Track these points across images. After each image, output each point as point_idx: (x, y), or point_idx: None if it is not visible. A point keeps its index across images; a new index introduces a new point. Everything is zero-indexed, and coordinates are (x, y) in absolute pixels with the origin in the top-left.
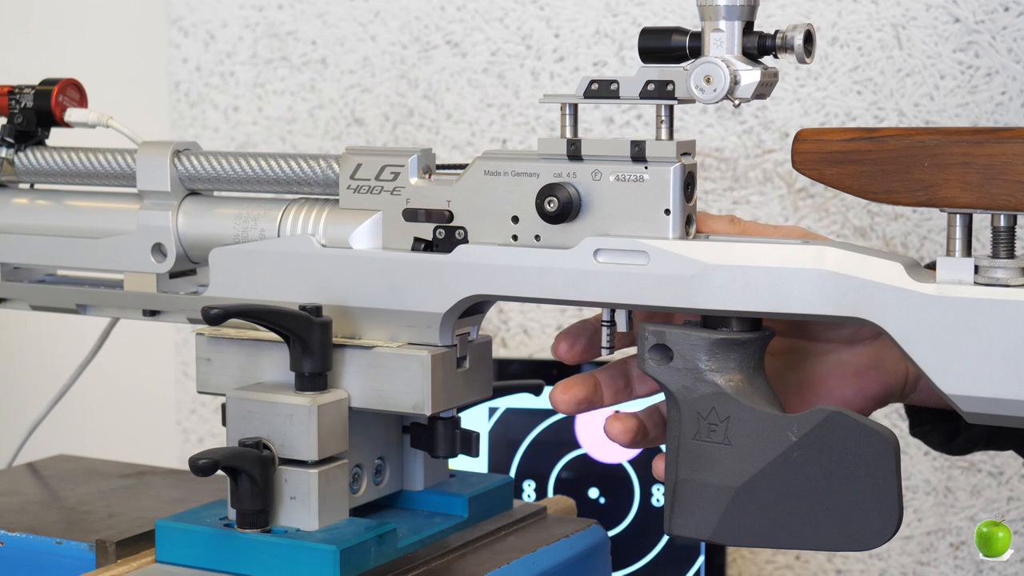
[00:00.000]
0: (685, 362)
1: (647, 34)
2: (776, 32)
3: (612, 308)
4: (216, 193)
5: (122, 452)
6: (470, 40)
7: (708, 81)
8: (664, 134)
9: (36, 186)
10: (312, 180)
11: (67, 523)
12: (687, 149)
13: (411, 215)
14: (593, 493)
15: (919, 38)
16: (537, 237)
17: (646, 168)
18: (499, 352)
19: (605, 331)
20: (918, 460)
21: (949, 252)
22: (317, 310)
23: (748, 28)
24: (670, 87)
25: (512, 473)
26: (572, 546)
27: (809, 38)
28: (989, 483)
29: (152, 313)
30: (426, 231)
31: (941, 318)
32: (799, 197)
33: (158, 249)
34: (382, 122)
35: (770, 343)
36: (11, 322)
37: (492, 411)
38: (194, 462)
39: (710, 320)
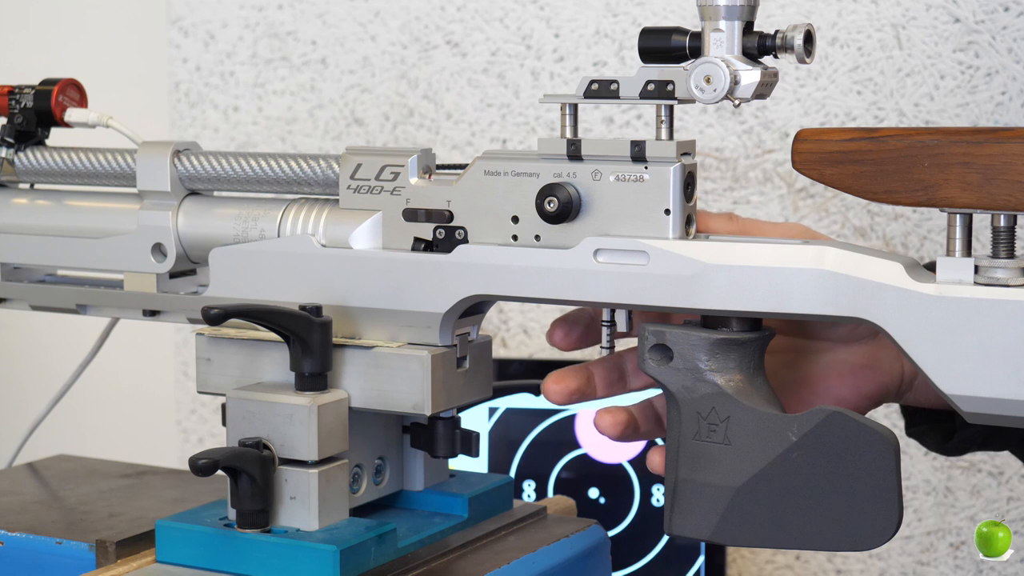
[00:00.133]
0: (685, 362)
1: (647, 34)
2: (776, 32)
3: (612, 308)
4: (216, 193)
5: (122, 452)
6: (470, 40)
7: (708, 81)
8: (664, 134)
9: (36, 186)
10: (312, 180)
11: (67, 523)
12: (687, 149)
13: (411, 215)
14: (593, 493)
15: (919, 38)
16: (537, 237)
17: (646, 168)
18: (499, 352)
19: (605, 331)
20: (918, 460)
21: (949, 252)
22: (317, 310)
23: (748, 28)
24: (670, 87)
25: (512, 473)
26: (572, 546)
27: (809, 38)
28: (989, 483)
29: (152, 313)
30: (426, 231)
31: (941, 318)
32: (799, 197)
33: (158, 249)
34: (382, 122)
35: None
36: (11, 322)
37: (492, 411)
38: (194, 462)
39: (710, 320)
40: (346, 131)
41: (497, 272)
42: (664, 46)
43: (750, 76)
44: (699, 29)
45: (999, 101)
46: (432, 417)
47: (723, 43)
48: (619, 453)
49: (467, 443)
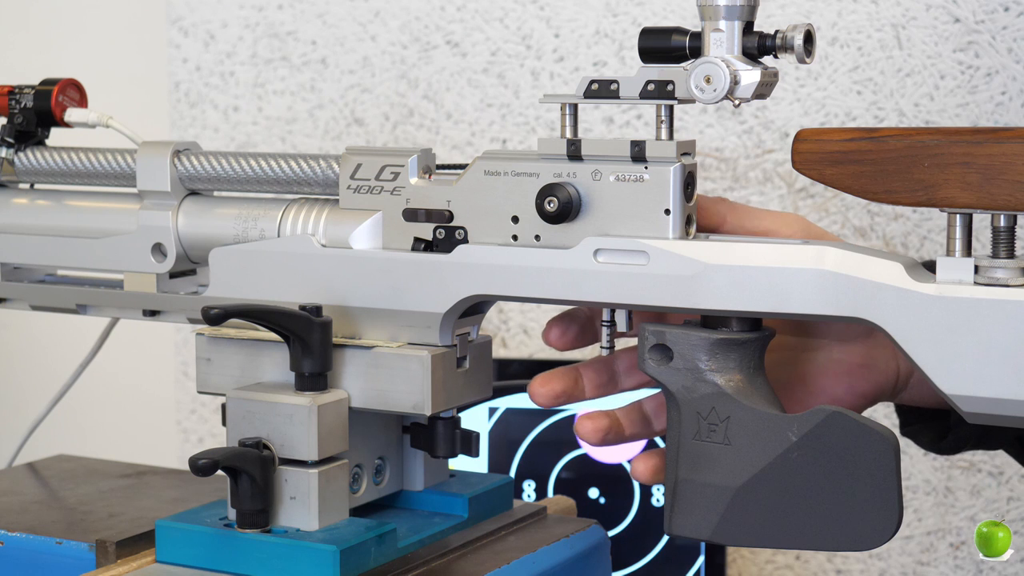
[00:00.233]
0: (685, 362)
1: (647, 34)
2: (776, 32)
3: (612, 308)
4: (216, 193)
5: (122, 452)
6: (470, 40)
7: (708, 81)
8: (664, 134)
9: (36, 186)
10: (312, 180)
11: (67, 523)
12: (687, 149)
13: (411, 215)
14: (593, 493)
15: (919, 38)
16: (537, 237)
17: (646, 168)
18: (499, 352)
19: (605, 331)
20: (918, 460)
21: (949, 252)
22: (317, 310)
23: (748, 28)
24: (670, 87)
25: (512, 473)
26: (572, 546)
27: (809, 38)
28: (989, 483)
29: (152, 313)
30: (426, 231)
31: (941, 318)
32: (799, 197)
33: (158, 249)
34: (382, 122)
35: None
36: (11, 322)
37: (492, 411)
38: (194, 462)
39: (710, 320)
40: (346, 131)
41: (497, 272)
42: (664, 46)
43: (750, 76)
44: (699, 29)
45: (999, 101)
46: (432, 417)
47: (723, 43)
48: (619, 453)
49: (467, 443)
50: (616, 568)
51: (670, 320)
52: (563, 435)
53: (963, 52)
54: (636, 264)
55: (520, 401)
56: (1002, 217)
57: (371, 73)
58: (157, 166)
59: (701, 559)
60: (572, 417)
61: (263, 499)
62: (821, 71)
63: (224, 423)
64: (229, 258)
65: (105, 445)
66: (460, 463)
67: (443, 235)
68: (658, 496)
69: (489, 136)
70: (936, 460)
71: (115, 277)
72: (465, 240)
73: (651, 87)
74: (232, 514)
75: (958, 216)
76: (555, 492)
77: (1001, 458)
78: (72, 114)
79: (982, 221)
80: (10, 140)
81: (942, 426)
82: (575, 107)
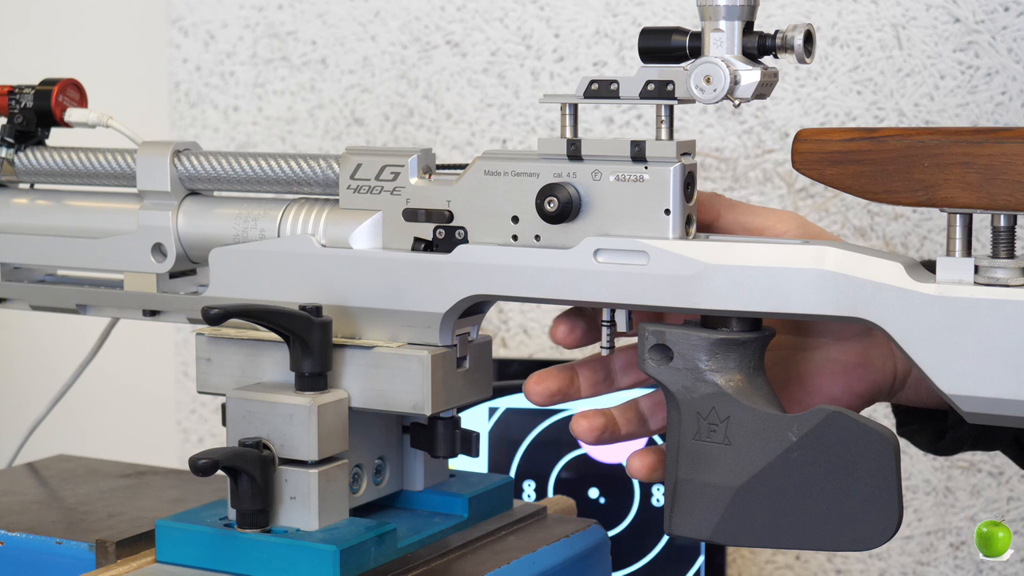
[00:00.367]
0: (685, 362)
1: (647, 34)
2: (776, 32)
3: (612, 308)
4: (216, 193)
5: (122, 452)
6: (470, 40)
7: (708, 81)
8: (664, 134)
9: (36, 186)
10: (312, 180)
11: (67, 523)
12: (687, 149)
13: (411, 215)
14: (593, 493)
15: (919, 38)
16: (537, 237)
17: (646, 168)
18: (499, 352)
19: (605, 331)
20: (918, 460)
21: (949, 252)
22: (317, 310)
23: (748, 28)
24: (670, 87)
25: (512, 473)
26: (572, 546)
27: (809, 38)
28: (989, 483)
29: (152, 313)
30: (426, 231)
31: (941, 318)
32: (799, 197)
33: (158, 249)
34: (382, 122)
35: None
36: (11, 322)
37: (492, 411)
38: (194, 462)
39: (710, 320)
40: (346, 131)
41: (497, 272)
42: (664, 46)
43: (750, 76)
44: (699, 29)
45: (999, 101)
46: (432, 417)
47: (723, 43)
48: (619, 453)
49: (467, 443)
50: (616, 568)
51: (670, 320)
52: (563, 435)
53: (963, 52)
54: (636, 264)
55: (520, 401)
56: (1002, 217)
57: (371, 73)
58: (157, 166)
59: (701, 559)
60: (572, 417)
61: (263, 499)
62: (821, 71)
63: (224, 423)
64: (229, 258)
65: (105, 445)
66: (460, 463)
67: (443, 235)
68: (658, 496)
69: (489, 136)
70: (936, 460)
71: (115, 277)
72: (465, 240)
73: (651, 87)
74: (232, 514)
75: (958, 216)
76: (555, 492)
77: (1001, 458)
78: (72, 114)
79: (982, 221)
80: (10, 140)
81: (940, 427)
82: (575, 107)
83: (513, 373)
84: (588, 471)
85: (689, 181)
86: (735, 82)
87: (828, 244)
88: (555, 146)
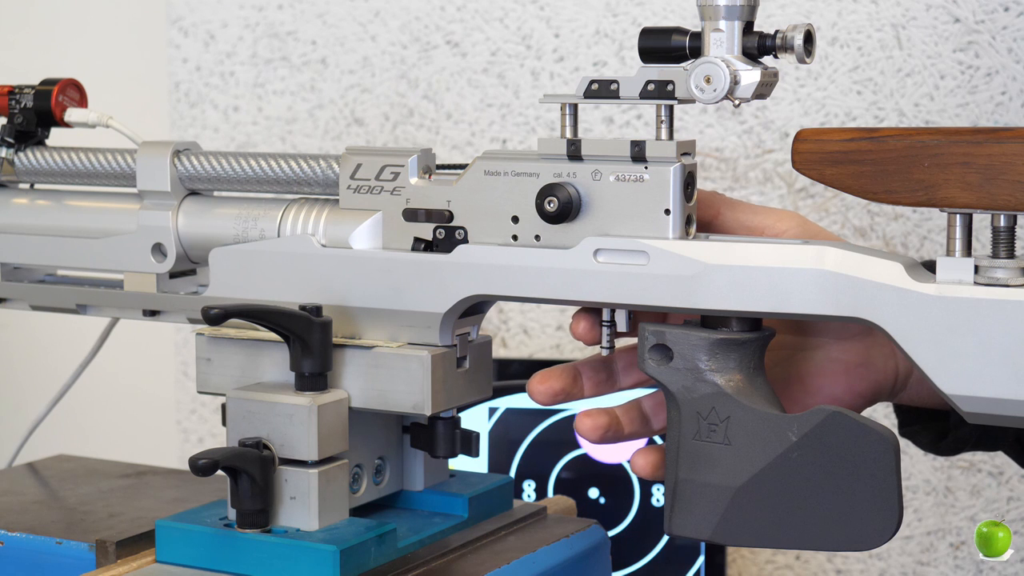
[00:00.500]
0: (685, 362)
1: (647, 34)
2: (776, 32)
3: (612, 308)
4: (216, 193)
5: (122, 452)
6: (470, 40)
7: (708, 81)
8: (664, 134)
9: (36, 186)
10: (312, 180)
11: (67, 523)
12: (687, 149)
13: (411, 215)
14: (593, 493)
15: (919, 38)
16: (537, 237)
17: (646, 168)
18: (499, 352)
19: (605, 331)
20: (918, 460)
21: (949, 252)
22: (317, 310)
23: (748, 28)
24: (670, 87)
25: (512, 473)
26: (572, 546)
27: (809, 38)
28: (989, 483)
29: (152, 313)
30: (426, 231)
31: (941, 318)
32: (799, 197)
33: (158, 249)
34: (382, 122)
35: None
36: (11, 322)
37: (492, 411)
38: (194, 462)
39: (710, 320)
40: (346, 131)
41: (497, 272)
42: (664, 46)
43: (750, 76)
44: (699, 29)
45: (999, 101)
46: (432, 417)
47: (723, 43)
48: (619, 453)
49: (467, 443)
50: (616, 568)
51: (670, 320)
52: (563, 435)
53: (963, 52)
54: (636, 264)
55: (520, 401)
56: (1002, 217)
57: (371, 73)
58: (157, 166)
59: (701, 559)
60: (572, 417)
61: (263, 499)
62: (821, 71)
63: (224, 423)
64: (229, 258)
65: (105, 445)
66: (460, 463)
67: (443, 235)
68: (658, 496)
69: (489, 136)
70: (936, 460)
71: (115, 277)
72: (465, 240)
73: (651, 87)
74: (232, 514)
75: (958, 216)
76: (555, 492)
77: (1001, 458)
78: (72, 114)
79: (982, 221)
80: (10, 140)
81: (941, 427)
82: (575, 107)
83: (513, 373)
84: (588, 471)
85: (689, 181)
86: (735, 82)
87: (828, 244)
88: (555, 146)
